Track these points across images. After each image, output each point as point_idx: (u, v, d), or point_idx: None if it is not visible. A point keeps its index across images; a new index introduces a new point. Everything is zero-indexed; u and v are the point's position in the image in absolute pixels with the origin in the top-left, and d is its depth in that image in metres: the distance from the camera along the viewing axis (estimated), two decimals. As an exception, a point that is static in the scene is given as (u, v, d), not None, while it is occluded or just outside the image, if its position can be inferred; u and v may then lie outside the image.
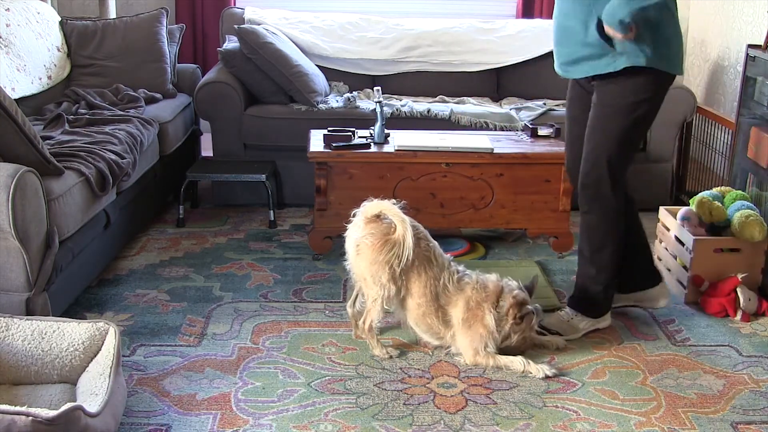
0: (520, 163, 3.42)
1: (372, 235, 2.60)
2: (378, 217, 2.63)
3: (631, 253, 2.93)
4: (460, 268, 2.70)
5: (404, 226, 2.56)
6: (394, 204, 2.61)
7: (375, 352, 2.67)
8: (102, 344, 2.24)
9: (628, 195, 2.85)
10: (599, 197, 2.72)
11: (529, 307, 2.62)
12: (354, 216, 2.68)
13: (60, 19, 4.26)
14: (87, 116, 3.61)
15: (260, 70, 4.10)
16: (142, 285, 3.19)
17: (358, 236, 2.63)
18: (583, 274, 2.86)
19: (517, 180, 3.44)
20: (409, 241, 2.54)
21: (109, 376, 2.09)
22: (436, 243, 2.71)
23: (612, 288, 2.87)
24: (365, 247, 2.61)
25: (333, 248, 3.53)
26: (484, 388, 2.50)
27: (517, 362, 2.59)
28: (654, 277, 3.00)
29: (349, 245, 2.67)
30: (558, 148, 3.53)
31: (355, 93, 4.36)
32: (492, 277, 2.67)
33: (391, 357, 2.65)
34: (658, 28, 2.53)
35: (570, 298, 2.93)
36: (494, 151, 3.40)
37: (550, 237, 3.58)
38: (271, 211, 3.91)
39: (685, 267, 3.19)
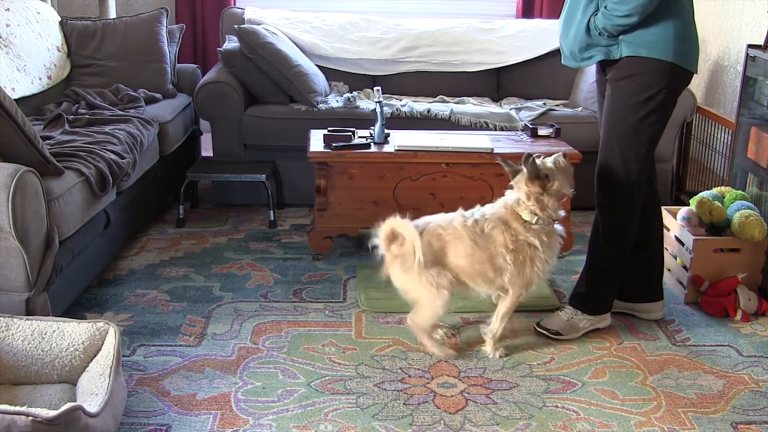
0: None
1: (394, 254, 2.60)
2: (393, 236, 2.60)
3: (646, 265, 2.93)
4: (470, 216, 2.65)
5: (411, 236, 2.53)
6: (397, 218, 2.58)
7: (435, 352, 2.66)
8: (102, 344, 2.24)
9: (653, 195, 2.87)
10: (616, 190, 2.72)
11: (538, 165, 2.57)
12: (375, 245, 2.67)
13: (60, 19, 4.26)
14: (87, 116, 3.61)
15: (260, 70, 4.10)
16: (142, 285, 3.19)
17: (387, 261, 2.63)
18: (592, 270, 2.86)
19: (517, 180, 3.43)
20: (419, 252, 2.51)
21: (109, 376, 2.09)
22: (458, 218, 2.65)
23: (616, 287, 2.87)
24: (391, 268, 2.62)
25: (333, 248, 3.53)
26: (484, 388, 2.50)
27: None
28: (658, 293, 2.99)
29: (387, 272, 2.67)
30: (558, 148, 3.53)
31: (355, 93, 4.36)
32: (498, 209, 2.63)
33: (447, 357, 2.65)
34: (667, 22, 2.54)
35: (572, 295, 2.93)
36: (494, 151, 3.40)
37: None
38: (271, 211, 3.91)
39: (685, 267, 3.19)
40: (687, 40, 2.59)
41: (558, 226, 2.68)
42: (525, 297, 2.69)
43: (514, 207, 2.62)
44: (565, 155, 2.68)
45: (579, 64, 2.75)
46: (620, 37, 2.59)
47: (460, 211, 2.69)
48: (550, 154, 2.69)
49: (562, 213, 2.67)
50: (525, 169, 2.58)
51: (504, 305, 2.67)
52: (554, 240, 2.65)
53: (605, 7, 2.54)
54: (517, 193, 2.62)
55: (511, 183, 2.65)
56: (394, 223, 2.58)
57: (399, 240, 2.59)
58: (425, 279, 2.56)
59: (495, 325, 2.68)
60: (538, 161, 2.59)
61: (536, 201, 2.58)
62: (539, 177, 2.57)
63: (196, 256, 3.51)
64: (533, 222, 2.59)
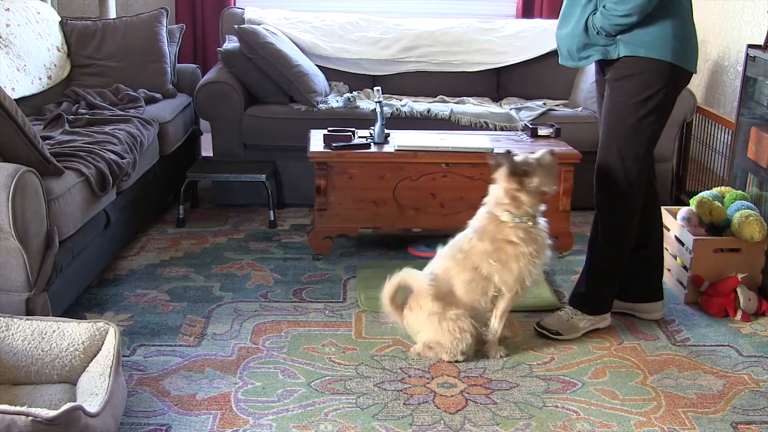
0: (520, 163, 3.42)
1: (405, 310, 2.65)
2: (397, 300, 2.66)
3: (646, 265, 2.93)
4: (451, 245, 2.68)
5: (412, 278, 2.61)
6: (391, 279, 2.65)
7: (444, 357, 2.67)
8: (102, 344, 2.24)
9: (653, 195, 2.87)
10: (615, 190, 2.72)
11: (517, 162, 2.57)
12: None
13: (60, 19, 4.26)
14: (87, 116, 3.61)
15: (260, 70, 4.10)
16: (142, 285, 3.19)
17: (405, 319, 2.67)
18: (592, 270, 2.86)
19: (517, 180, 3.43)
20: (421, 283, 2.58)
21: (109, 376, 2.09)
22: (441, 255, 2.69)
23: (616, 287, 2.87)
24: (411, 321, 2.66)
25: (333, 248, 3.53)
26: (484, 388, 2.50)
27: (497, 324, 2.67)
28: (658, 293, 2.99)
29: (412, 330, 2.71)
30: (558, 148, 3.53)
31: (355, 93, 4.36)
32: (477, 220, 2.66)
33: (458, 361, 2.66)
34: (665, 22, 2.54)
35: (572, 295, 2.93)
36: (494, 151, 3.40)
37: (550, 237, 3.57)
38: (271, 211, 3.91)
39: (685, 267, 3.19)
40: (686, 39, 2.59)
41: (541, 220, 2.67)
42: (522, 295, 2.68)
43: (492, 211, 2.63)
44: (552, 152, 2.66)
45: (576, 64, 2.75)
46: (618, 36, 2.59)
47: (439, 251, 2.72)
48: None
49: (542, 208, 2.66)
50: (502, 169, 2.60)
51: (501, 305, 2.66)
52: (537, 234, 2.63)
53: (604, 7, 2.54)
54: (497, 189, 2.63)
55: (493, 177, 2.66)
56: (393, 282, 2.63)
57: (409, 302, 2.65)
58: (446, 325, 2.58)
59: (495, 325, 2.68)
60: (520, 157, 2.59)
61: (512, 198, 2.58)
62: (516, 174, 2.56)
63: (196, 256, 3.51)
64: (511, 222, 2.59)
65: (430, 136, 3.58)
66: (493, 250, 2.58)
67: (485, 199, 2.68)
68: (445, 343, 2.60)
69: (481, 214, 2.68)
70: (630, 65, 2.60)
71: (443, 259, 2.66)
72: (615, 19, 2.52)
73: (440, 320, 2.58)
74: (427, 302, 2.59)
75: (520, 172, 2.56)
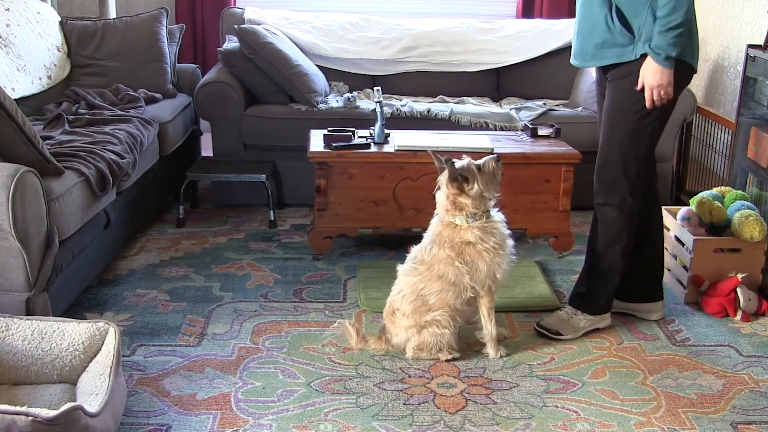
0: (520, 163, 3.42)
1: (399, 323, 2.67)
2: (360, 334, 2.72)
3: (646, 265, 2.93)
4: (411, 258, 2.69)
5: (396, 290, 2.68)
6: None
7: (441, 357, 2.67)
8: (102, 344, 2.24)
9: (653, 195, 2.86)
10: (615, 190, 2.72)
11: (457, 167, 2.58)
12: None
13: (60, 19, 4.26)
14: (87, 116, 3.61)
15: (260, 70, 4.10)
16: (142, 285, 3.19)
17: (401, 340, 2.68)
18: (591, 270, 2.86)
19: (517, 180, 3.43)
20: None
21: (109, 376, 2.09)
22: (403, 273, 2.69)
23: (616, 287, 2.87)
24: (393, 342, 2.69)
25: (333, 248, 3.53)
26: (484, 388, 2.50)
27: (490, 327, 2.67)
28: (658, 293, 2.99)
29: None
30: (558, 148, 3.53)
31: (355, 93, 4.36)
32: (432, 229, 2.67)
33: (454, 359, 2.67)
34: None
35: (572, 295, 2.93)
36: (494, 151, 3.40)
37: (550, 237, 3.58)
38: (271, 211, 3.91)
39: (685, 267, 3.19)
40: (689, 36, 2.58)
41: (495, 213, 2.67)
42: (496, 287, 2.67)
43: (443, 218, 2.64)
44: (497, 159, 2.66)
45: (586, 64, 2.72)
46: (637, 36, 2.55)
47: (399, 267, 2.71)
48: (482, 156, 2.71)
49: (491, 203, 2.66)
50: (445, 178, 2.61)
51: (483, 305, 2.66)
52: (493, 227, 2.63)
53: (656, 21, 2.48)
54: (441, 195, 2.64)
55: (438, 180, 2.66)
56: (349, 330, 2.69)
57: (384, 330, 2.70)
58: (425, 331, 2.60)
59: (487, 326, 2.67)
60: (462, 163, 2.60)
61: (453, 202, 2.60)
62: (456, 179, 2.58)
63: (196, 256, 3.51)
64: (465, 223, 2.60)
65: (430, 136, 3.58)
66: (456, 254, 2.59)
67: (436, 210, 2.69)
68: (430, 342, 2.61)
69: (434, 223, 2.69)
70: (632, 64, 2.60)
71: (406, 276, 2.66)
72: (673, 31, 2.46)
73: (418, 330, 2.61)
74: (402, 320, 2.63)
75: (460, 178, 2.58)
